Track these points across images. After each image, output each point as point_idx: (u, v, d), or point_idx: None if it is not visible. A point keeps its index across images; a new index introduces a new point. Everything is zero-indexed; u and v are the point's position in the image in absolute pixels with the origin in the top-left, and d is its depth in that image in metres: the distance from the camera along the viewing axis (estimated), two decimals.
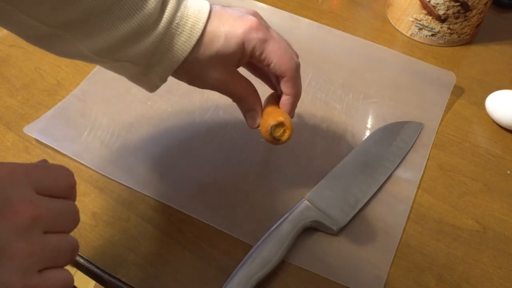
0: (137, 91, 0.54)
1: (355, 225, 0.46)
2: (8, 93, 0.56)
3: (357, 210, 0.46)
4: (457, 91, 0.59)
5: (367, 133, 0.53)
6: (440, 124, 0.55)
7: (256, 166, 0.50)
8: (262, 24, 0.40)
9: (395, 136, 0.52)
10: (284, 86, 0.41)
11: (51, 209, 0.28)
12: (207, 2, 0.39)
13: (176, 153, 0.51)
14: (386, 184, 0.49)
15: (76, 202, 0.47)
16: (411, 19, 0.64)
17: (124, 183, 0.48)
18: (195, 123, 0.53)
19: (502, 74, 0.62)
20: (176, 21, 0.37)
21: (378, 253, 0.44)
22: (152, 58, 0.38)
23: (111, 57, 0.38)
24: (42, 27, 0.35)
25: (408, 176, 0.50)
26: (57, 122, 0.53)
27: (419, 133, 0.53)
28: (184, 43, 0.38)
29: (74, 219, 0.30)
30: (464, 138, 0.54)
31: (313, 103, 0.56)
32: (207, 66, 0.39)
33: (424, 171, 0.50)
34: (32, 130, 0.51)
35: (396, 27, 0.67)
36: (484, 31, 0.66)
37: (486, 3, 0.60)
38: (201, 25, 0.37)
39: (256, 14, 0.40)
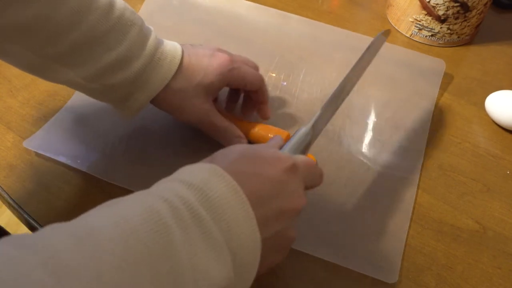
0: None
1: (359, 226, 0.46)
2: (8, 93, 0.56)
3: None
4: (457, 91, 0.59)
5: (365, 123, 0.54)
6: (440, 123, 0.55)
7: None
8: (230, 55, 0.48)
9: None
10: (261, 96, 0.50)
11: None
12: (177, 43, 0.46)
13: (180, 157, 0.51)
14: (386, 183, 0.49)
15: (77, 202, 0.48)
16: (411, 19, 0.64)
17: (129, 188, 0.48)
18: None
19: (502, 74, 0.62)
20: (157, 56, 0.44)
21: (384, 253, 0.44)
22: (134, 84, 0.44)
23: (98, 81, 0.43)
24: (35, 58, 0.41)
25: (407, 176, 0.50)
26: (56, 134, 0.52)
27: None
28: (164, 74, 0.44)
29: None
30: (464, 138, 0.54)
31: (309, 98, 0.56)
32: (190, 96, 0.46)
33: (422, 171, 0.51)
34: (32, 144, 0.50)
35: (396, 27, 0.67)
36: (484, 32, 0.66)
37: (486, 3, 0.60)
38: (177, 60, 0.45)
39: (221, 50, 0.48)
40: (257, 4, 0.68)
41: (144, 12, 0.66)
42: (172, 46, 0.45)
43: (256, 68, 0.52)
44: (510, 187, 0.50)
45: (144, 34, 0.44)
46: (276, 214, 0.33)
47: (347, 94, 0.46)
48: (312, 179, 0.38)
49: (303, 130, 0.40)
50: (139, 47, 0.43)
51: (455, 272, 0.44)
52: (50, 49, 0.40)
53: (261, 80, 0.49)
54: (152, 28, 0.46)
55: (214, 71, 0.46)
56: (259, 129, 0.50)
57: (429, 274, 0.43)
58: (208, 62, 0.46)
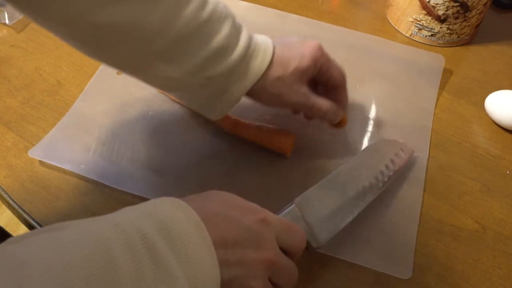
0: (137, 102, 0.54)
1: (368, 224, 0.46)
2: (8, 93, 0.56)
3: (338, 231, 0.43)
4: (457, 91, 0.59)
5: (366, 120, 0.54)
6: (440, 123, 0.55)
7: (256, 170, 0.50)
8: (319, 42, 0.47)
9: (389, 157, 0.49)
10: (339, 95, 0.49)
11: (282, 263, 0.35)
12: (265, 35, 0.46)
13: (185, 163, 0.51)
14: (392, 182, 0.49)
15: (76, 202, 0.48)
16: (410, 19, 0.64)
17: (135, 193, 0.48)
18: (201, 133, 0.53)
19: (502, 74, 0.62)
20: (252, 48, 0.44)
21: (396, 249, 0.45)
22: (232, 76, 0.44)
23: (198, 75, 0.43)
24: (136, 56, 0.41)
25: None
26: (60, 142, 0.51)
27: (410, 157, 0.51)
28: (260, 64, 0.44)
29: (293, 279, 0.36)
30: (463, 138, 0.54)
31: None
32: (289, 83, 0.46)
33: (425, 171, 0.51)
34: (37, 154, 0.50)
35: (396, 27, 0.67)
36: (484, 31, 0.66)
37: (486, 3, 0.60)
38: (270, 51, 0.45)
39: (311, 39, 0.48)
40: (256, 5, 0.67)
41: None
42: (262, 38, 0.46)
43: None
44: (510, 187, 0.50)
45: (237, 26, 0.44)
46: (238, 260, 0.32)
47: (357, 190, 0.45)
48: (288, 239, 0.36)
49: (289, 208, 0.41)
50: (234, 39, 0.43)
51: (455, 272, 0.44)
52: (148, 48, 0.41)
53: (344, 76, 0.49)
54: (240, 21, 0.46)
55: (308, 56, 0.46)
56: (265, 131, 0.50)
57: (429, 274, 0.43)
58: (300, 48, 0.46)
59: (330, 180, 0.45)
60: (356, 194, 0.44)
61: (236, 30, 0.43)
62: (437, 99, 0.58)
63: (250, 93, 0.46)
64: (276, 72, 0.45)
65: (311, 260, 0.44)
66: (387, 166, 0.47)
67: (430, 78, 0.59)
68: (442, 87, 0.59)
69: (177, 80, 0.44)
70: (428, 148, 0.52)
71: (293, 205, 0.41)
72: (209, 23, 0.41)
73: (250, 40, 0.44)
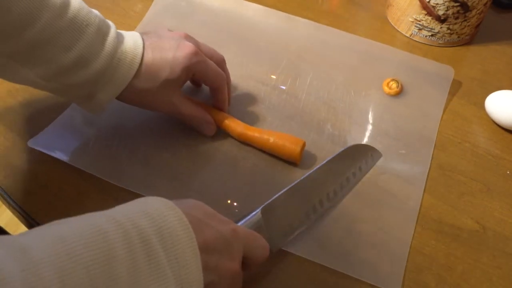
0: None
1: (362, 232, 0.46)
2: (8, 93, 0.56)
3: (291, 238, 0.43)
4: (457, 91, 0.59)
5: (370, 128, 0.54)
6: (440, 123, 0.55)
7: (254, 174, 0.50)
8: (197, 46, 0.47)
9: (358, 164, 0.49)
10: (218, 94, 0.50)
11: (241, 274, 0.36)
12: (139, 37, 0.45)
13: (183, 159, 0.51)
14: (392, 187, 0.49)
15: (76, 202, 0.48)
16: (410, 19, 0.64)
17: (133, 190, 0.48)
18: (208, 138, 0.53)
19: (502, 74, 0.62)
20: (117, 56, 0.43)
21: (387, 261, 0.44)
22: (95, 85, 0.44)
23: (58, 81, 0.43)
24: None
25: (415, 177, 0.50)
26: (61, 134, 0.52)
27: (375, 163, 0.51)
28: (124, 75, 0.44)
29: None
30: (464, 138, 0.54)
31: (316, 102, 0.56)
32: (157, 93, 0.46)
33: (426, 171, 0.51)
34: (36, 143, 0.50)
35: (396, 27, 0.67)
36: (484, 31, 0.66)
37: (486, 3, 0.60)
38: (138, 60, 0.44)
39: (188, 37, 0.48)
40: (264, 7, 0.67)
41: (151, 13, 0.66)
42: (132, 44, 0.45)
43: (221, 61, 0.51)
44: (510, 187, 0.50)
45: (102, 33, 0.43)
46: (215, 266, 0.33)
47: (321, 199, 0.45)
48: (253, 251, 0.38)
49: (254, 213, 0.41)
50: (97, 47, 0.43)
51: (455, 272, 0.44)
52: (6, 48, 0.40)
53: (222, 79, 0.49)
54: (112, 24, 0.45)
55: (180, 65, 0.45)
56: (275, 139, 0.49)
57: (429, 274, 0.43)
58: (173, 55, 0.45)
59: (296, 187, 0.44)
60: (319, 201, 0.45)
61: (99, 38, 0.43)
62: (445, 105, 0.57)
63: (120, 99, 0.46)
64: (144, 84, 0.45)
65: (299, 269, 0.43)
66: (354, 174, 0.48)
67: (438, 89, 0.58)
68: None
69: (38, 83, 0.43)
70: (431, 153, 0.52)
71: (259, 212, 0.41)
72: (68, 31, 0.41)
73: (116, 48, 0.43)
